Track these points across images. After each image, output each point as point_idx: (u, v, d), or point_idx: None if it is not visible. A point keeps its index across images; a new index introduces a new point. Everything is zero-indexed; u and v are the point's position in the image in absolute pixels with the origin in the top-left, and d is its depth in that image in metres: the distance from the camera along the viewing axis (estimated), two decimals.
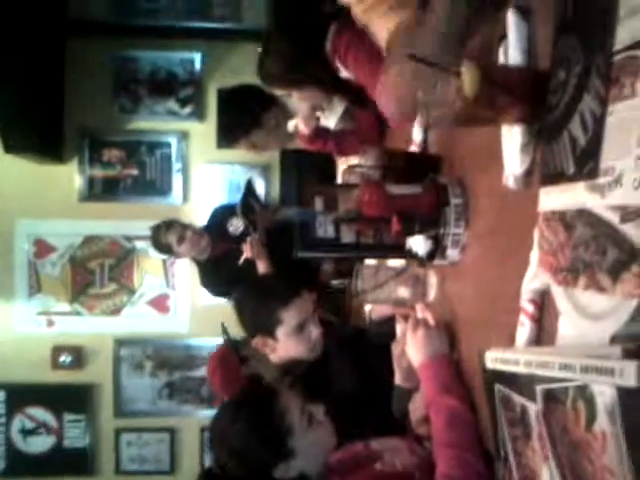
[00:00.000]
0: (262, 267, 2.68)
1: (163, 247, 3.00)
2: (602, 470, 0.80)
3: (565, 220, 0.83)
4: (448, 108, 0.94)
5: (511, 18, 1.02)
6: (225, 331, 2.48)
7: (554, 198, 0.87)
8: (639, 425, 0.72)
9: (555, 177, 0.88)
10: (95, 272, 3.75)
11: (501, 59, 1.04)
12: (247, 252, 2.73)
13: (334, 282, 2.35)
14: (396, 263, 1.64)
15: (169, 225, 3.00)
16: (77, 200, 3.69)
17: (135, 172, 3.70)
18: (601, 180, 0.76)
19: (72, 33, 3.53)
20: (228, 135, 2.45)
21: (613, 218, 0.74)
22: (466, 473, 1.19)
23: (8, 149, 3.12)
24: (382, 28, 1.34)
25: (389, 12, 1.31)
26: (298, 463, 1.37)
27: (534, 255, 0.98)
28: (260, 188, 3.64)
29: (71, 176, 3.68)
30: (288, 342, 1.78)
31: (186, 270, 3.60)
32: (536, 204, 0.94)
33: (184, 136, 3.72)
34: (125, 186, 3.71)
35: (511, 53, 1.01)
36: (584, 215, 0.79)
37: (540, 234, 0.88)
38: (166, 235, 2.94)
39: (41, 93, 3.34)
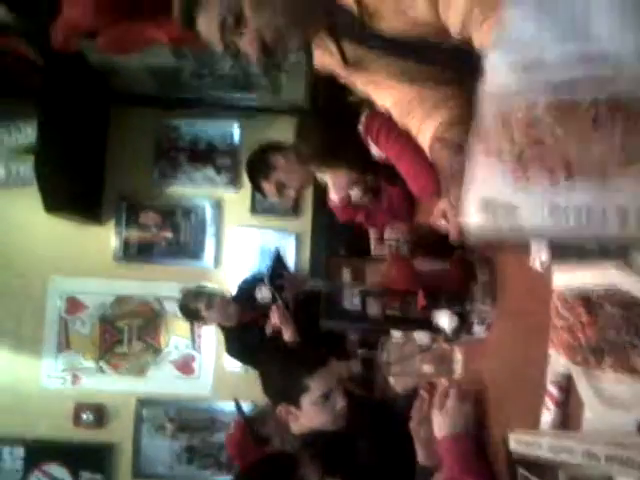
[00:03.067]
0: (288, 335, 2.69)
1: (191, 313, 3.05)
2: None
3: (588, 301, 0.83)
4: None
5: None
6: (240, 409, 2.48)
7: (570, 275, 0.87)
8: None
9: (579, 254, 0.88)
10: (123, 331, 3.79)
11: None
12: (273, 318, 2.75)
13: (360, 352, 2.35)
14: (422, 337, 1.64)
15: (198, 292, 3.05)
16: (112, 260, 3.77)
17: (170, 235, 3.79)
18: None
19: (116, 102, 3.71)
20: (253, 185, 2.49)
21: None
22: None
23: (48, 208, 3.23)
24: (419, 132, 1.38)
25: (426, 117, 1.35)
26: None
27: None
28: (290, 255, 3.69)
29: (107, 237, 3.78)
30: (312, 411, 1.77)
31: (212, 333, 3.62)
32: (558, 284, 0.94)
33: (219, 202, 3.81)
34: (159, 248, 3.80)
35: None
36: (614, 295, 0.79)
37: (555, 311, 0.88)
38: (195, 301, 2.99)
39: (84, 156, 3.48)
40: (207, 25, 1.18)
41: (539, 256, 1.08)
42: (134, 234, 3.78)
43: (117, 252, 3.77)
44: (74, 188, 3.40)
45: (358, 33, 1.23)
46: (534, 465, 1.02)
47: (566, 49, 0.67)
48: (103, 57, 3.13)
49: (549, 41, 0.68)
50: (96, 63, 3.27)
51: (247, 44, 1.17)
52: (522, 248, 1.13)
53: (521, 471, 1.06)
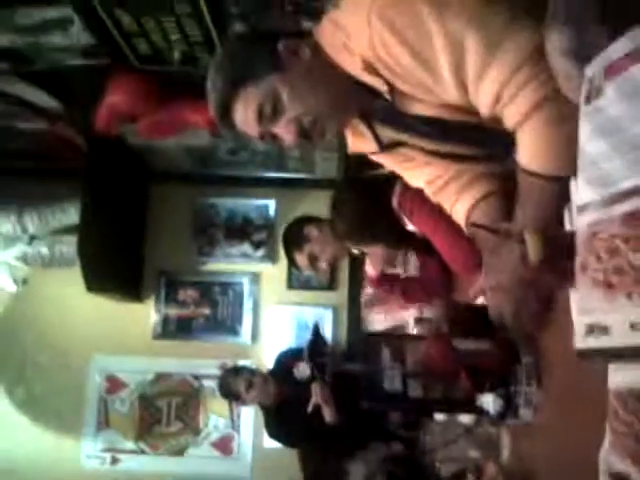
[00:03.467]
0: (328, 414, 2.63)
1: (231, 394, 3.01)
2: None
3: None
4: (511, 274, 0.95)
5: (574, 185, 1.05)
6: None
7: (631, 373, 0.82)
8: None
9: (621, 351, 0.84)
10: (162, 410, 3.76)
11: (567, 225, 1.06)
12: (315, 396, 2.69)
13: (401, 432, 2.27)
14: (466, 419, 1.58)
15: (237, 372, 3.03)
16: (151, 338, 3.80)
17: (208, 311, 3.81)
18: None
19: (155, 181, 3.83)
20: (287, 257, 2.49)
21: None
22: None
23: (90, 288, 3.29)
24: (453, 206, 1.38)
25: (459, 193, 1.35)
26: None
27: (607, 438, 0.93)
28: (328, 329, 3.66)
29: (147, 314, 3.82)
30: None
31: (251, 411, 3.57)
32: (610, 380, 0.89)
33: (256, 277, 3.84)
34: (197, 325, 3.81)
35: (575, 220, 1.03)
36: None
37: (614, 414, 0.83)
38: (235, 382, 2.96)
39: (124, 235, 3.58)
40: (244, 114, 1.19)
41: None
42: (173, 311, 3.82)
43: (156, 329, 3.80)
44: (115, 267, 3.47)
45: (394, 118, 1.25)
46: None
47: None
48: (142, 139, 3.25)
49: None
50: (135, 145, 3.40)
51: (284, 131, 1.19)
52: (567, 328, 1.10)
53: None
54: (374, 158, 1.47)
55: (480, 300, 1.54)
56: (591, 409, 1.03)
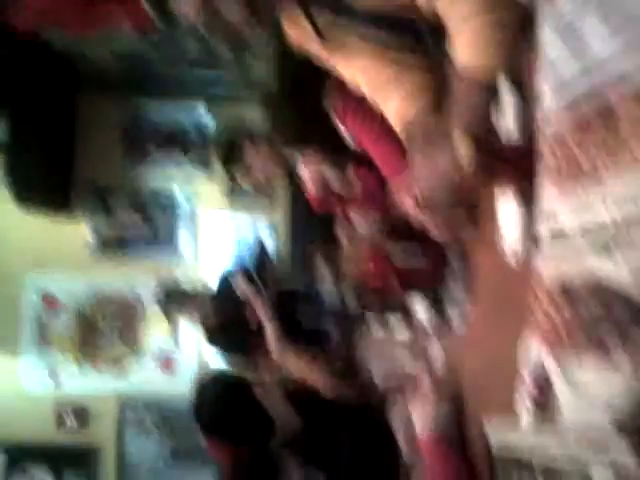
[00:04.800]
0: (270, 332, 2.61)
1: (171, 313, 2.97)
2: None
3: (570, 294, 0.79)
4: (442, 176, 0.92)
5: (506, 93, 1.02)
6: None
7: (555, 266, 0.83)
8: None
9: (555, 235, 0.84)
10: (102, 329, 3.72)
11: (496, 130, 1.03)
12: (257, 309, 2.66)
13: (341, 349, 2.30)
14: (401, 334, 1.59)
15: (176, 290, 2.98)
16: (87, 256, 3.71)
17: (144, 227, 3.73)
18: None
19: (81, 88, 3.61)
20: (225, 174, 2.42)
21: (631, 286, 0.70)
22: None
23: (19, 203, 3.17)
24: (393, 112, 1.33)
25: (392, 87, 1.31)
26: None
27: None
28: (267, 244, 3.63)
29: (81, 231, 3.71)
30: None
31: (193, 330, 3.56)
32: (539, 275, 0.90)
33: (191, 189, 3.75)
34: (134, 241, 3.73)
35: (505, 127, 1.01)
36: (597, 288, 0.75)
37: (539, 308, 0.84)
38: (174, 301, 2.91)
39: (53, 148, 3.42)
40: None
41: (511, 247, 1.04)
42: (108, 227, 3.72)
43: (92, 246, 3.71)
44: (44, 181, 3.35)
45: (332, 5, 1.18)
46: (512, 458, 0.99)
47: None
48: (69, 44, 3.06)
49: None
50: (62, 50, 3.19)
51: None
52: (497, 239, 1.09)
53: (500, 466, 1.03)
54: (314, 57, 1.40)
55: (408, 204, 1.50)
56: (518, 318, 1.04)
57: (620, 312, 0.68)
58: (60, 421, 3.63)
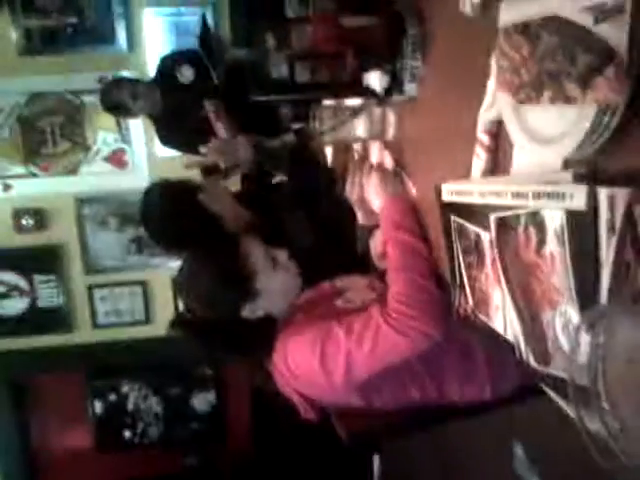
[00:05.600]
0: (220, 130, 2.54)
1: (115, 107, 2.84)
2: (549, 289, 0.85)
3: (529, 32, 0.79)
4: None
5: None
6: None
7: (516, 9, 0.82)
8: (585, 246, 0.74)
9: None
10: (46, 131, 3.60)
11: None
12: (208, 110, 2.57)
13: (293, 126, 2.29)
14: (354, 103, 1.59)
15: (118, 83, 2.83)
16: (16, 55, 3.44)
17: (74, 19, 3.43)
18: None
19: None
20: None
21: (586, 20, 0.70)
22: (415, 291, 1.24)
23: None
24: None
25: None
26: (264, 303, 1.42)
27: (492, 82, 0.96)
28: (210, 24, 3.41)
29: (6, 29, 3.41)
30: None
31: (140, 123, 3.48)
32: (494, 30, 0.89)
33: None
34: (65, 36, 3.45)
35: None
36: (551, 22, 0.74)
37: (499, 52, 0.84)
38: (118, 93, 2.77)
39: None
40: None
41: None
42: (33, 22, 3.41)
43: (19, 44, 3.43)
44: None
45: None
46: (466, 212, 1.05)
47: None
48: None
49: None
50: None
51: None
52: None
53: (454, 218, 1.11)
54: None
55: None
56: (473, 77, 1.05)
57: (573, 43, 0.69)
58: (19, 225, 3.64)
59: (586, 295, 0.76)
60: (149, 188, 1.94)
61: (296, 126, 2.00)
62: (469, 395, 1.41)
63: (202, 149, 2.00)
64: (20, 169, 3.62)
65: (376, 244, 1.53)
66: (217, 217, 1.84)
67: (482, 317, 1.10)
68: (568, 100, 0.72)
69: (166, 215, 1.85)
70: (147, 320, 3.89)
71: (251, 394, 3.96)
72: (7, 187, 3.63)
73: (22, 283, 3.78)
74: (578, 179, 0.77)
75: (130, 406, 4.14)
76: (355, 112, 1.48)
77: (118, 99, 2.81)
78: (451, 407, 1.43)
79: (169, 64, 2.89)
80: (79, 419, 4.12)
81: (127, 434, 4.18)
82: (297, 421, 1.40)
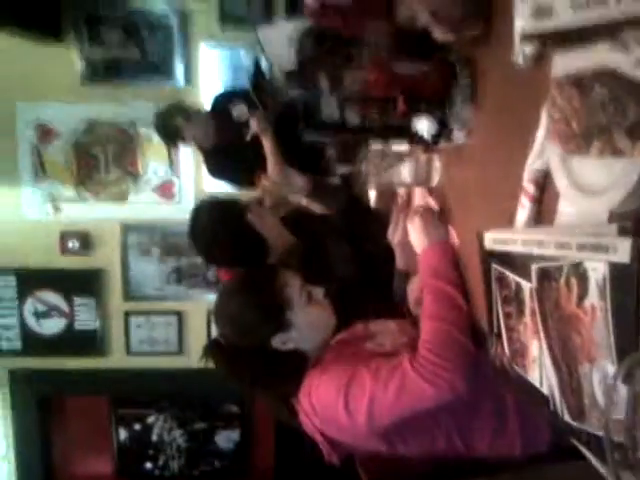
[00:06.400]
0: (268, 147, 2.61)
1: (169, 130, 2.89)
2: (589, 342, 0.83)
3: (581, 83, 0.79)
4: None
5: None
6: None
7: (570, 60, 0.83)
8: (627, 299, 0.73)
9: (571, 36, 0.83)
10: (99, 158, 3.72)
11: None
12: (253, 126, 2.64)
13: (339, 168, 2.32)
14: (401, 147, 1.62)
15: (174, 107, 2.90)
16: (79, 83, 3.59)
17: (136, 52, 3.58)
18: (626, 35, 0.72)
19: None
20: None
21: (638, 73, 0.70)
22: (446, 342, 1.23)
23: (7, 30, 3.01)
24: None
25: None
26: (295, 336, 1.42)
27: (541, 132, 0.97)
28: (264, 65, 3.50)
29: (71, 58, 3.57)
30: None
31: (190, 156, 3.57)
32: (546, 82, 0.90)
33: (185, 14, 3.55)
34: (127, 67, 3.59)
35: None
36: (603, 75, 0.75)
37: (551, 102, 0.85)
38: (172, 118, 2.84)
39: None
40: None
41: (522, 50, 1.02)
42: (98, 53, 3.57)
43: (83, 73, 3.58)
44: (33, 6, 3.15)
45: None
46: (507, 261, 1.05)
47: None
48: None
49: None
50: None
51: None
52: (505, 43, 1.07)
53: (494, 266, 1.10)
54: None
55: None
56: (521, 127, 1.06)
57: (624, 95, 0.69)
58: (64, 247, 3.73)
59: (626, 351, 0.74)
60: (198, 205, 1.99)
61: (342, 169, 2.03)
62: (498, 450, 1.37)
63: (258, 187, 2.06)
64: (71, 193, 3.74)
65: (413, 289, 1.53)
66: (262, 238, 1.88)
67: (518, 369, 1.08)
68: (617, 152, 0.72)
69: (214, 233, 1.90)
70: (179, 351, 3.91)
71: (275, 433, 3.91)
72: (57, 209, 3.74)
73: (62, 304, 3.85)
74: (623, 232, 0.77)
75: (154, 437, 4.13)
76: (402, 157, 1.50)
77: (171, 121, 2.87)
78: (479, 462, 1.40)
79: (225, 99, 2.96)
80: (102, 444, 4.12)
81: (148, 465, 4.15)
82: (321, 461, 1.38)
